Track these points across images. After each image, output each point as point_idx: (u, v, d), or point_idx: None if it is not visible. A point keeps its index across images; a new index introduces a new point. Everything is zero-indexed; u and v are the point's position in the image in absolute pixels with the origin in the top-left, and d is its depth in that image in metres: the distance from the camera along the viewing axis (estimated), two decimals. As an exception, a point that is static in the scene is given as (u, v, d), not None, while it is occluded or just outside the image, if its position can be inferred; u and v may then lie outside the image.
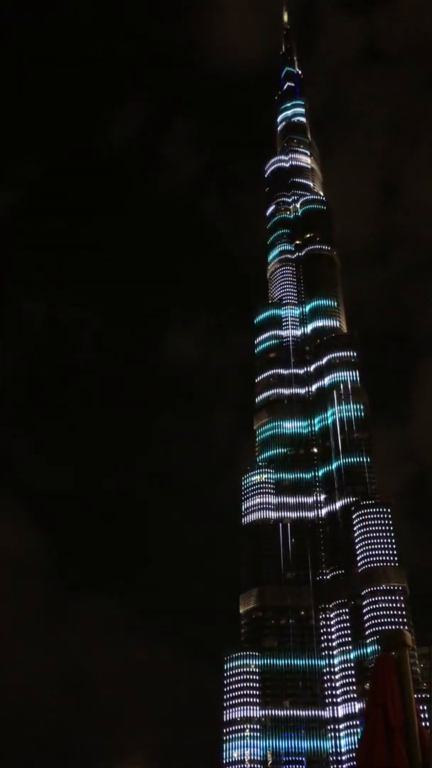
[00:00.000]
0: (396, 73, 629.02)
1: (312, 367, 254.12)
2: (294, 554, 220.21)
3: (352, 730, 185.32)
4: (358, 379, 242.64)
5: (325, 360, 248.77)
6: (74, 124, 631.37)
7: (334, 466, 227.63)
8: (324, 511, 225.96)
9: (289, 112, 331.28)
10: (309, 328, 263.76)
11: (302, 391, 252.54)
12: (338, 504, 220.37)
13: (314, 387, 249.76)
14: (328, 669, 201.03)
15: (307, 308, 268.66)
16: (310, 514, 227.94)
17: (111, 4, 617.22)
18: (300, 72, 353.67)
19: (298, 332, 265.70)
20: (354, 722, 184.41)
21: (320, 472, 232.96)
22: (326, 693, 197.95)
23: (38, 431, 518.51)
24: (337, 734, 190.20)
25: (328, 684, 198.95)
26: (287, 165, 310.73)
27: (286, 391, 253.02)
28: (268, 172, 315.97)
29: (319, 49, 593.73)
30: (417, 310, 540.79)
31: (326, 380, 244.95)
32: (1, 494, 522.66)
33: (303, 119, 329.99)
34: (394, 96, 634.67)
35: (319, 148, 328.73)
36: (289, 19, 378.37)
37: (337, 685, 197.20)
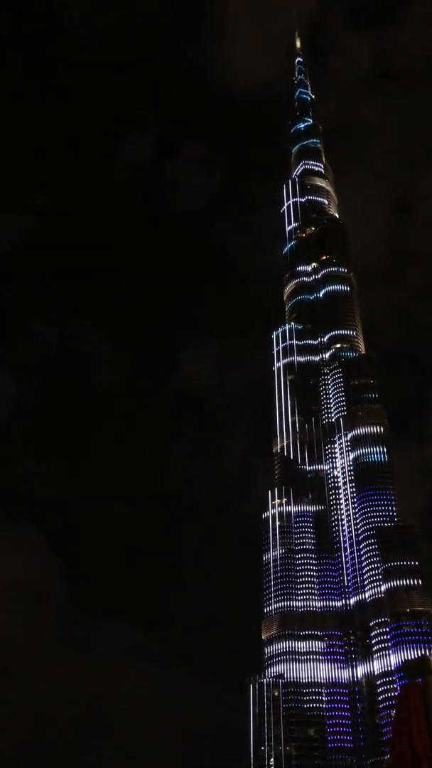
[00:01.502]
0: (406, 91, 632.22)
1: (331, 391, 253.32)
2: (316, 579, 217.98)
3: (379, 758, 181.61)
4: (377, 401, 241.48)
5: (344, 383, 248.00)
6: (85, 148, 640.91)
7: (355, 489, 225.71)
8: (345, 533, 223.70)
9: (303, 137, 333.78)
10: (327, 350, 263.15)
11: (321, 413, 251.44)
12: (360, 527, 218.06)
13: (334, 410, 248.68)
14: (353, 697, 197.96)
15: (325, 331, 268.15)
16: (332, 538, 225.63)
17: (121, 28, 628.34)
18: (313, 96, 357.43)
19: (316, 356, 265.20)
20: (381, 749, 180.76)
21: (341, 495, 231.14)
22: (351, 722, 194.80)
23: (52, 457, 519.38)
24: (365, 762, 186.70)
25: (353, 713, 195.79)
26: (302, 189, 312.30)
27: (304, 417, 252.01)
28: (284, 196, 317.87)
29: (329, 69, 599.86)
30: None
31: (345, 404, 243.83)
32: (15, 521, 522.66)
33: (317, 143, 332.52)
34: (405, 114, 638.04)
35: (332, 168, 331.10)
36: (302, 45, 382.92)
37: (361, 714, 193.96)
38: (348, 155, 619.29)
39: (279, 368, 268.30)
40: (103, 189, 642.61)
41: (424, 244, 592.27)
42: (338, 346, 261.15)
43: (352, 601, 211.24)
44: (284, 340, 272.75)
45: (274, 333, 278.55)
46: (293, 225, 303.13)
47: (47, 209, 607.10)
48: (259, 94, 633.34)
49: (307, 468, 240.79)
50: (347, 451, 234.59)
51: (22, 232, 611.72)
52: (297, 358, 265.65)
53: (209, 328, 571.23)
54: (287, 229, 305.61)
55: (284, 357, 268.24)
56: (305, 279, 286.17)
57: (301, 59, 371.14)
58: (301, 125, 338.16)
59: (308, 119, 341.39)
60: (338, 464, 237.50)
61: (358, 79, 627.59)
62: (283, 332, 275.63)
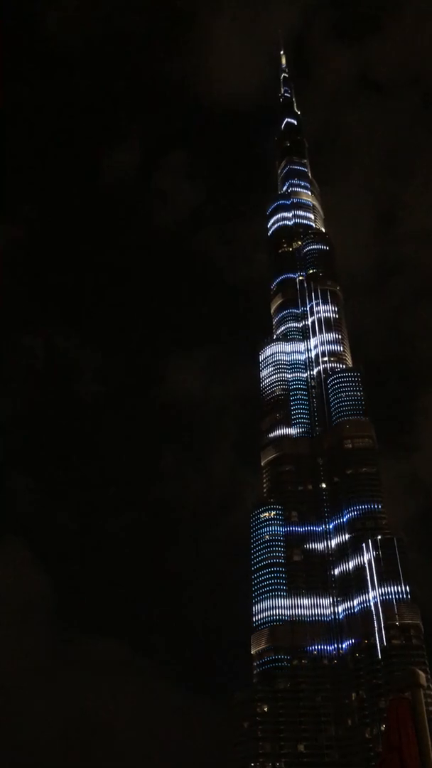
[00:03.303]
0: (390, 102, 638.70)
1: (318, 403, 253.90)
2: (304, 593, 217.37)
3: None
4: (364, 413, 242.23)
5: (331, 396, 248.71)
6: (71, 159, 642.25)
7: (343, 501, 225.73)
8: (334, 546, 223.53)
9: (289, 152, 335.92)
10: (314, 362, 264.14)
11: (308, 426, 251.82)
12: (348, 539, 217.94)
13: (321, 424, 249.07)
14: (343, 711, 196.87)
15: (312, 343, 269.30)
16: (320, 551, 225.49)
17: (106, 39, 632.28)
18: (299, 113, 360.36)
19: (304, 368, 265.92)
20: (371, 765, 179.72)
21: (329, 507, 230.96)
22: (341, 735, 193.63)
23: (39, 469, 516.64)
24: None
25: (343, 726, 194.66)
26: (289, 203, 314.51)
27: (292, 430, 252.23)
28: (270, 209, 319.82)
29: (312, 80, 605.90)
30: (418, 338, 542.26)
31: (333, 417, 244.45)
32: (1, 534, 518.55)
33: (304, 159, 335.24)
34: (389, 124, 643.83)
35: (317, 179, 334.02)
36: (288, 62, 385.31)
37: (353, 726, 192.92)
38: (333, 166, 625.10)
39: (266, 382, 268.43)
40: (89, 199, 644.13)
41: (409, 253, 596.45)
42: (325, 359, 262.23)
43: (341, 615, 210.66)
44: (271, 353, 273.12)
45: (262, 346, 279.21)
46: (280, 240, 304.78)
47: (33, 220, 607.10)
48: (243, 104, 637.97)
49: (296, 482, 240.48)
50: (335, 464, 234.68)
51: (8, 243, 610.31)
52: (285, 371, 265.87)
53: (196, 338, 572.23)
54: (274, 243, 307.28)
55: (271, 370, 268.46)
56: (292, 292, 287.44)
57: (286, 74, 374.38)
58: (288, 141, 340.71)
59: (295, 134, 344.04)
60: (327, 479, 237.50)
61: (342, 89, 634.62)
62: (270, 346, 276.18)
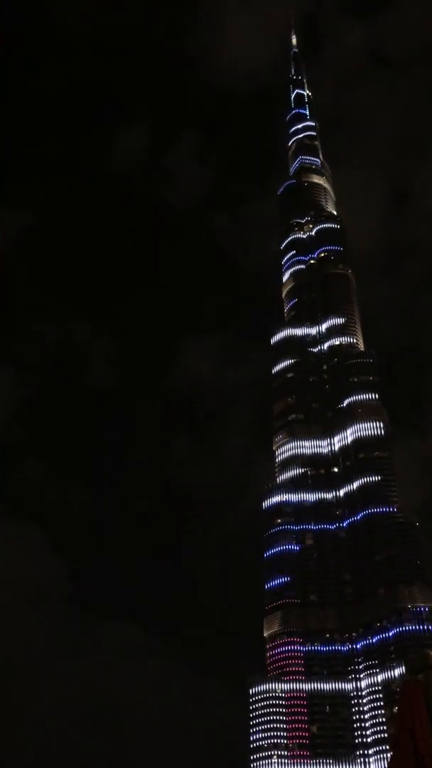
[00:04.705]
0: (402, 80, 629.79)
1: (330, 388, 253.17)
2: (316, 576, 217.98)
3: (381, 755, 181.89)
4: (376, 397, 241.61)
5: (343, 381, 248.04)
6: (81, 142, 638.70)
7: (355, 485, 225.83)
8: (346, 531, 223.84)
9: (299, 134, 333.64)
10: (326, 347, 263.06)
11: (321, 410, 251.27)
12: (360, 523, 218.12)
13: (333, 407, 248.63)
14: (355, 693, 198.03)
15: (324, 328, 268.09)
16: (332, 535, 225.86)
17: (115, 19, 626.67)
18: (310, 93, 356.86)
19: (316, 352, 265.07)
20: (383, 746, 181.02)
21: (341, 492, 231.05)
22: (354, 718, 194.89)
23: (54, 456, 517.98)
24: (367, 759, 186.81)
25: (356, 708, 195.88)
26: (299, 186, 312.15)
27: (304, 414, 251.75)
28: (281, 192, 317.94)
29: (324, 57, 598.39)
30: (430, 321, 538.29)
31: (345, 401, 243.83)
32: (17, 520, 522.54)
33: (315, 141, 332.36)
34: (401, 101, 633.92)
35: (328, 158, 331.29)
36: (297, 38, 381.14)
37: (365, 709, 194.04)
38: (343, 144, 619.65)
39: (278, 366, 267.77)
40: (98, 183, 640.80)
41: (421, 234, 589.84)
42: (338, 343, 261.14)
43: (353, 597, 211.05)
44: (283, 338, 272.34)
45: (274, 330, 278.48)
46: (291, 223, 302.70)
47: (43, 205, 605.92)
48: (254, 84, 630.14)
49: (309, 465, 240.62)
50: (347, 448, 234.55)
51: (18, 229, 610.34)
52: (298, 356, 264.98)
53: (208, 324, 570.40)
54: (284, 226, 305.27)
55: (283, 354, 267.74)
56: (303, 276, 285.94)
57: (296, 52, 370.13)
58: (298, 123, 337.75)
59: (305, 116, 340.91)
60: (339, 461, 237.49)
61: (353, 66, 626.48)
62: (282, 330, 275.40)
